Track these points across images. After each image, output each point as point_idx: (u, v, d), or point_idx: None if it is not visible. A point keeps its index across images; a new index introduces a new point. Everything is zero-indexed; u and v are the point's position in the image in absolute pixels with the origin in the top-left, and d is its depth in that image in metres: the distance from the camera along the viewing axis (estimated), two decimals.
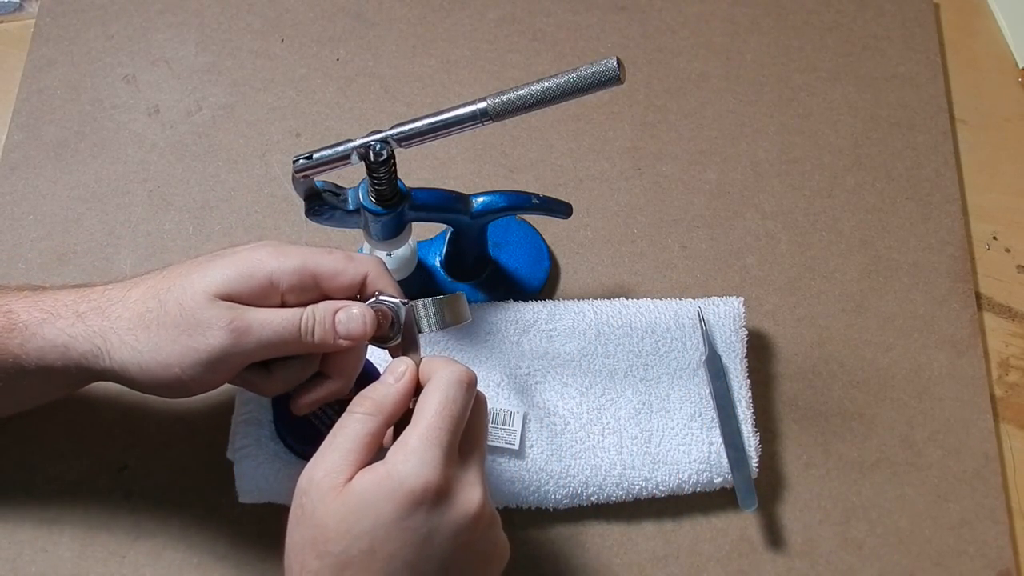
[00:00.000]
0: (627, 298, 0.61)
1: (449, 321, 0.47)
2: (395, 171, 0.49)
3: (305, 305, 0.45)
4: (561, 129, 0.70)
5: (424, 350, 0.48)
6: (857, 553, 0.58)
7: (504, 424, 0.55)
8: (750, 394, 0.58)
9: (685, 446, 0.56)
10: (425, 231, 0.63)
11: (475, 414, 0.45)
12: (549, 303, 0.60)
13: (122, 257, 0.63)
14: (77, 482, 0.56)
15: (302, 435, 0.51)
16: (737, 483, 0.56)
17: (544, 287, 0.64)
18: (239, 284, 0.44)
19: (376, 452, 0.43)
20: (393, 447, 0.41)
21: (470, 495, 0.42)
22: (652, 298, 0.61)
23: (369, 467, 0.41)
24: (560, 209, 0.56)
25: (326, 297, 0.46)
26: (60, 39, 0.71)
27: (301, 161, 0.48)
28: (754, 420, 0.57)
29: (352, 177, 0.62)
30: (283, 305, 0.45)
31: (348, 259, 0.46)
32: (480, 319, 0.59)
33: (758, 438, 0.57)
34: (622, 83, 0.45)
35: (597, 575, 0.56)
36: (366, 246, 0.57)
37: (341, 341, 0.45)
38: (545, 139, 0.70)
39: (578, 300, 0.60)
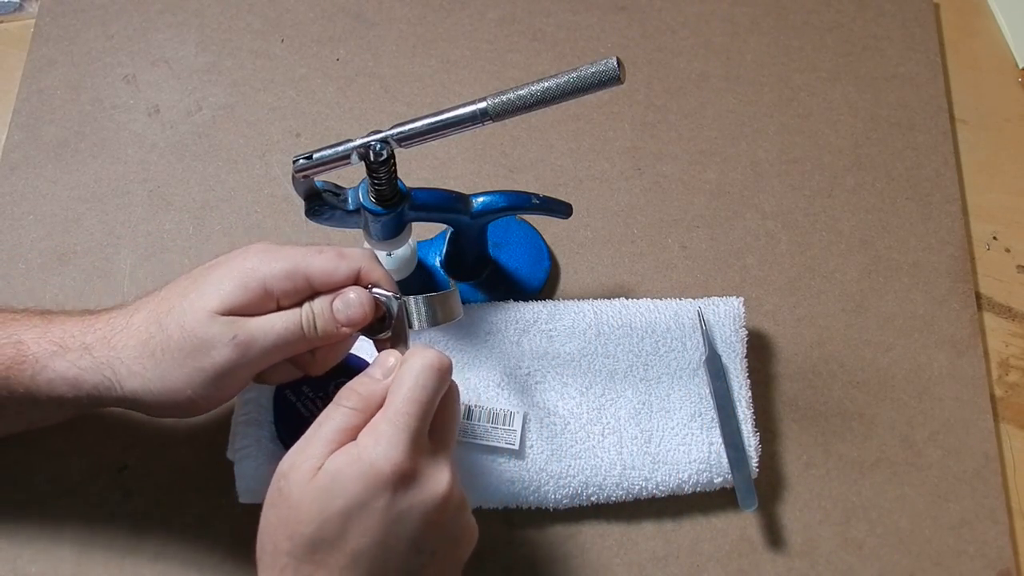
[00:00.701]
0: (627, 298, 0.61)
1: (440, 319, 0.48)
2: (395, 171, 0.49)
3: (302, 304, 0.45)
4: (561, 129, 0.70)
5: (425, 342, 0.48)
6: (857, 553, 0.58)
7: (504, 424, 0.55)
8: (750, 394, 0.58)
9: (685, 446, 0.56)
10: (425, 231, 0.63)
11: (446, 400, 0.45)
12: (549, 303, 0.60)
13: (122, 257, 0.63)
14: (77, 482, 0.56)
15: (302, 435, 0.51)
16: (737, 483, 0.56)
17: (544, 287, 0.64)
18: (236, 297, 0.44)
19: None
20: (364, 430, 0.42)
21: (439, 477, 0.42)
22: (652, 298, 0.61)
23: (341, 449, 0.41)
24: (560, 209, 0.56)
25: (321, 294, 0.46)
26: (60, 39, 0.71)
27: (301, 161, 0.48)
28: (754, 420, 0.57)
29: (352, 177, 0.62)
30: (280, 308, 0.45)
31: (339, 257, 0.46)
32: (480, 319, 0.59)
33: (758, 438, 0.57)
34: (622, 83, 0.45)
35: (597, 575, 0.56)
36: (366, 246, 0.57)
37: (344, 329, 0.45)
38: (545, 139, 0.70)
39: (578, 300, 0.60)
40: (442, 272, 0.62)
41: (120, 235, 0.64)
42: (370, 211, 0.51)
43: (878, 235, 0.68)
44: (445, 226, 0.60)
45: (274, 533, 0.41)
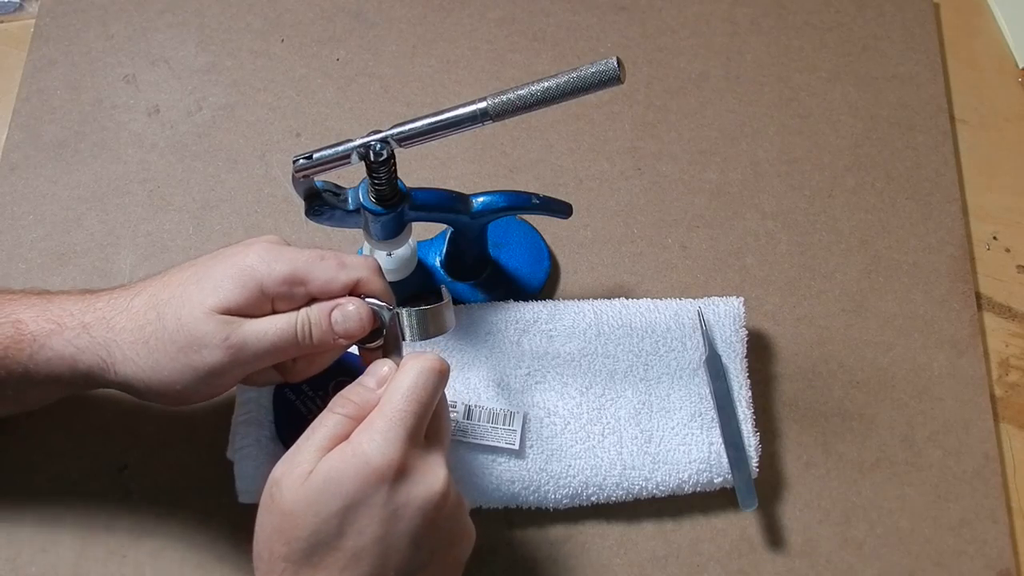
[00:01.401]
0: (627, 298, 0.61)
1: (432, 332, 0.48)
2: (395, 171, 0.49)
3: (298, 308, 0.45)
4: (561, 129, 0.70)
5: (421, 349, 0.48)
6: (857, 553, 0.58)
7: (504, 424, 0.55)
8: (750, 394, 0.58)
9: (685, 446, 0.56)
10: (425, 231, 0.63)
11: (440, 403, 0.45)
12: (549, 303, 0.60)
13: (122, 257, 0.63)
14: (77, 482, 0.56)
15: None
16: (737, 483, 0.56)
17: (544, 287, 0.64)
18: (233, 297, 0.44)
19: None
20: (359, 429, 0.42)
21: (436, 472, 0.42)
22: (652, 298, 0.61)
23: (334, 450, 0.41)
24: (560, 209, 0.56)
25: (316, 301, 0.46)
26: (60, 39, 0.71)
27: (301, 161, 0.48)
28: (754, 420, 0.57)
29: (352, 177, 0.62)
30: (274, 310, 0.45)
31: (340, 267, 0.46)
32: (480, 319, 0.59)
33: (758, 438, 0.57)
34: (622, 83, 0.45)
35: (597, 575, 0.56)
36: (366, 246, 0.57)
37: (340, 340, 0.45)
38: (545, 139, 0.70)
39: (578, 300, 0.60)
40: (442, 272, 0.62)
41: (120, 235, 0.64)
42: (370, 211, 0.51)
43: (878, 235, 0.68)
44: (445, 226, 0.60)
45: (269, 540, 0.41)
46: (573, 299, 0.61)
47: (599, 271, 0.65)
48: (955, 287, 0.66)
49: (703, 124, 0.71)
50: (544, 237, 0.65)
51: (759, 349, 0.63)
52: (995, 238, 0.69)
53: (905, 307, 0.65)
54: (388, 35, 0.73)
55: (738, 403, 0.57)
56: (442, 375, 0.44)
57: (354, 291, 0.46)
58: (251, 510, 0.54)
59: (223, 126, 0.68)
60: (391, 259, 0.58)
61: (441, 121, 0.47)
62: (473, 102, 0.46)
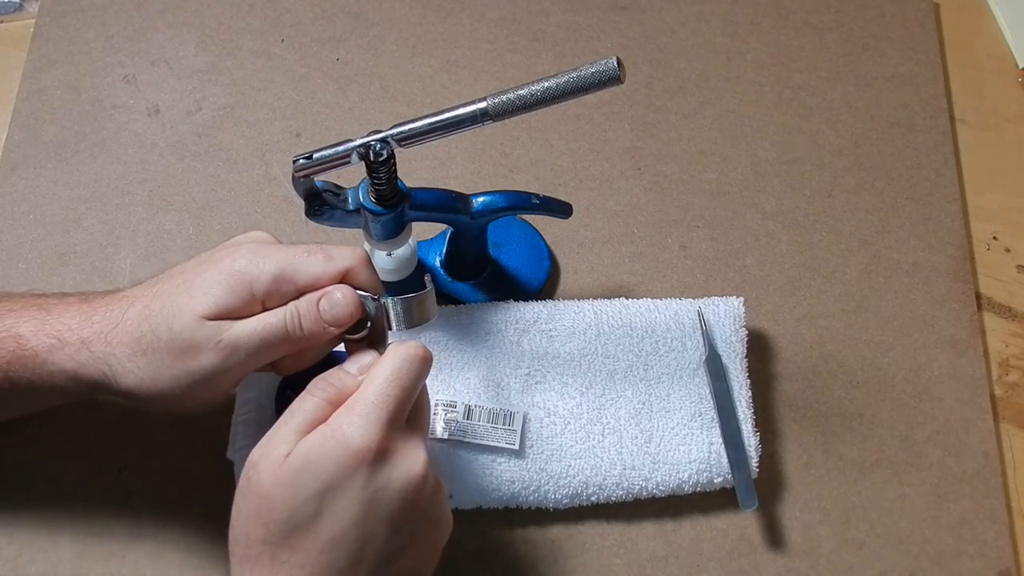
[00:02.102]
0: (627, 298, 0.61)
1: (416, 320, 0.48)
2: (395, 171, 0.49)
3: (287, 303, 0.45)
4: (561, 129, 0.70)
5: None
6: (857, 553, 0.58)
7: (504, 424, 0.55)
8: (750, 394, 0.58)
9: (685, 446, 0.56)
10: (425, 231, 0.63)
11: (421, 393, 0.45)
12: (549, 303, 0.60)
13: (122, 257, 0.63)
14: (77, 482, 0.56)
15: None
16: (737, 483, 0.56)
17: (544, 287, 0.64)
18: (223, 301, 0.44)
19: None
20: (339, 411, 0.42)
21: (415, 456, 0.42)
22: (652, 298, 0.61)
23: (313, 432, 0.41)
24: (560, 209, 0.56)
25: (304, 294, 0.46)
26: (60, 39, 0.71)
27: (301, 161, 0.48)
28: (754, 420, 0.57)
29: (352, 177, 0.62)
30: (264, 309, 0.45)
31: (327, 260, 0.46)
32: (480, 319, 0.59)
33: (758, 438, 0.57)
34: (622, 83, 0.45)
35: (597, 575, 0.56)
36: (366, 246, 0.57)
37: (330, 329, 0.45)
38: (545, 139, 0.70)
39: (578, 300, 0.60)
40: (442, 272, 0.62)
41: (120, 235, 0.64)
42: (370, 211, 0.51)
43: (878, 235, 0.68)
44: (445, 226, 0.60)
45: (246, 523, 0.41)
46: (573, 299, 0.61)
47: (599, 271, 0.65)
48: (955, 287, 0.66)
49: (703, 124, 0.71)
50: (544, 237, 0.65)
51: (759, 349, 0.63)
52: (995, 238, 0.69)
53: (905, 307, 0.65)
54: (388, 35, 0.73)
55: (738, 403, 0.57)
56: (425, 362, 0.44)
57: (343, 282, 0.46)
58: None
59: (223, 126, 0.68)
60: (391, 259, 0.58)
61: (441, 121, 0.47)
62: (473, 102, 0.46)
